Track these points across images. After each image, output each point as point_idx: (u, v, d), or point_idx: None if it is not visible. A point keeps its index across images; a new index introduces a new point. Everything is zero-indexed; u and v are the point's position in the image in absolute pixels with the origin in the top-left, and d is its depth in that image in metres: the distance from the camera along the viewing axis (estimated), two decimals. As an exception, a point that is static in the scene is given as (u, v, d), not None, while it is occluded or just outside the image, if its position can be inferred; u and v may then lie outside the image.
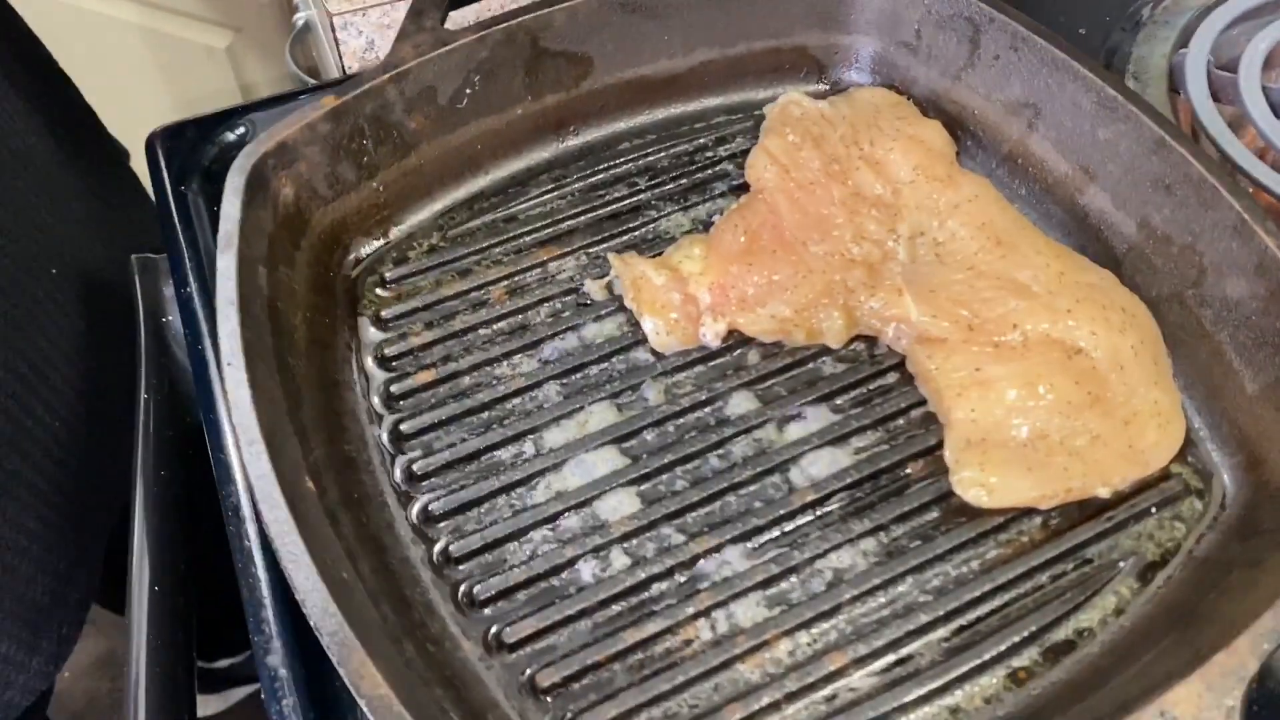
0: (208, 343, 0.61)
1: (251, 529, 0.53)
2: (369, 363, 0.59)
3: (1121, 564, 0.51)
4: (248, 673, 1.39)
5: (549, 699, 0.48)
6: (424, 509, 0.53)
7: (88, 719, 1.47)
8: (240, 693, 1.40)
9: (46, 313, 0.72)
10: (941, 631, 0.49)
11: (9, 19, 0.80)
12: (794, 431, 0.56)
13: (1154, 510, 0.53)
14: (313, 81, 0.93)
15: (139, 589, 0.60)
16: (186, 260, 0.64)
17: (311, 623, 0.42)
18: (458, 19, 0.71)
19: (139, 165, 0.92)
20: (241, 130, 0.70)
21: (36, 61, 0.84)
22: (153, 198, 0.80)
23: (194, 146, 0.70)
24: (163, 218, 0.67)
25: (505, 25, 0.63)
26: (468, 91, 0.63)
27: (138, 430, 0.66)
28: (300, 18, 1.01)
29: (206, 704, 1.37)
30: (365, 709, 0.40)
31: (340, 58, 0.79)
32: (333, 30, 0.78)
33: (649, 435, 0.56)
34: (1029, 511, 0.53)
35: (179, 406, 0.69)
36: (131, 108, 1.01)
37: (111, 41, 1.40)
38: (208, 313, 0.62)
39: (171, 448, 0.67)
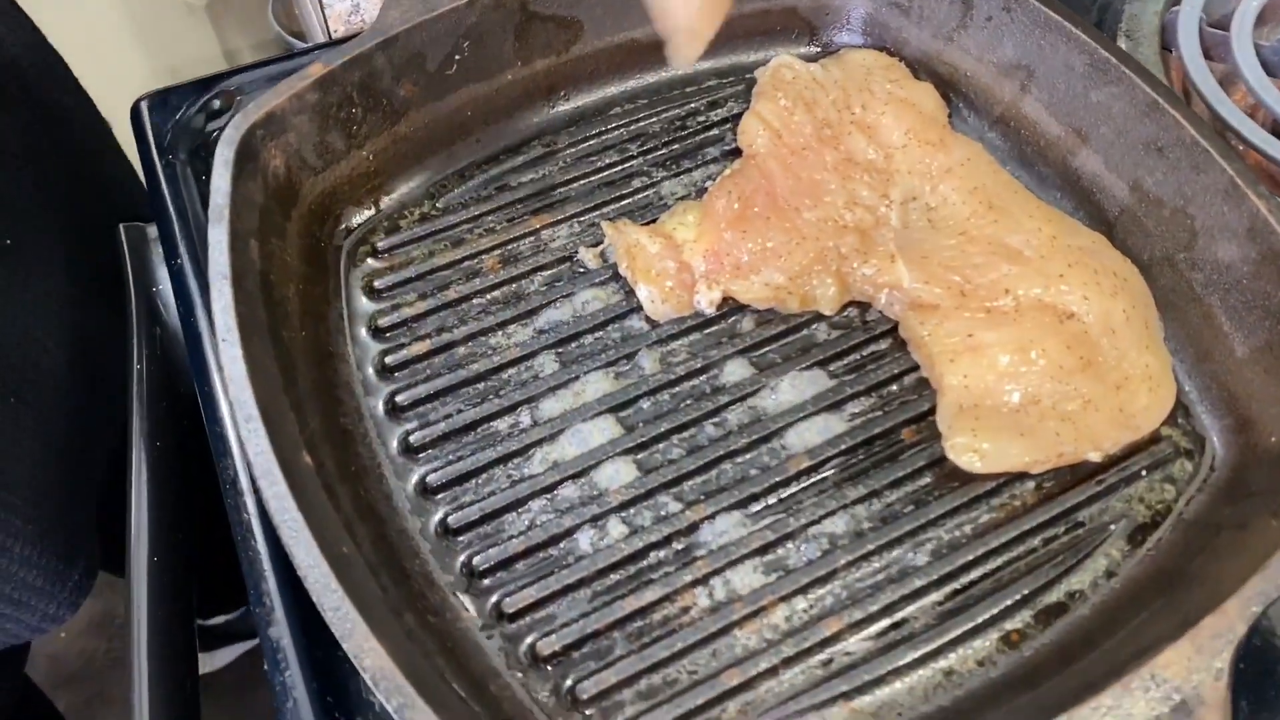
0: (200, 314, 0.61)
1: (250, 501, 0.54)
2: (363, 334, 0.58)
3: (1112, 527, 0.52)
4: (242, 629, 1.40)
5: (549, 667, 0.48)
6: (422, 481, 0.54)
7: (83, 678, 1.49)
8: (235, 651, 1.42)
9: (28, 283, 0.71)
10: (935, 595, 0.50)
11: None
12: (788, 398, 0.56)
13: (1144, 473, 0.54)
14: (297, 42, 0.92)
15: (138, 559, 0.61)
16: (177, 231, 0.64)
17: (314, 598, 0.42)
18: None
19: (122, 128, 0.91)
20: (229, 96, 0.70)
21: (17, 28, 0.83)
22: (135, 165, 0.79)
23: (180, 114, 0.69)
24: (151, 188, 0.67)
25: (494, -11, 0.62)
26: (456, 57, 0.63)
27: (131, 400, 0.66)
28: (282, -24, 0.99)
29: (201, 662, 1.39)
30: (369, 682, 0.40)
31: (325, 21, 0.78)
32: (317, -7, 0.76)
33: (645, 404, 0.56)
34: (1021, 476, 0.53)
35: (171, 375, 0.69)
36: (111, 66, 1.00)
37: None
38: (200, 284, 0.62)
39: (166, 417, 0.67)
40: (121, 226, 0.73)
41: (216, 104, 0.69)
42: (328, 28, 0.78)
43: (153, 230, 0.72)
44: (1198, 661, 0.41)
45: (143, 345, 0.69)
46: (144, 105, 0.70)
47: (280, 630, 0.50)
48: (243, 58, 1.49)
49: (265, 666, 0.49)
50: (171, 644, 0.60)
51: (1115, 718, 0.40)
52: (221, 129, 0.66)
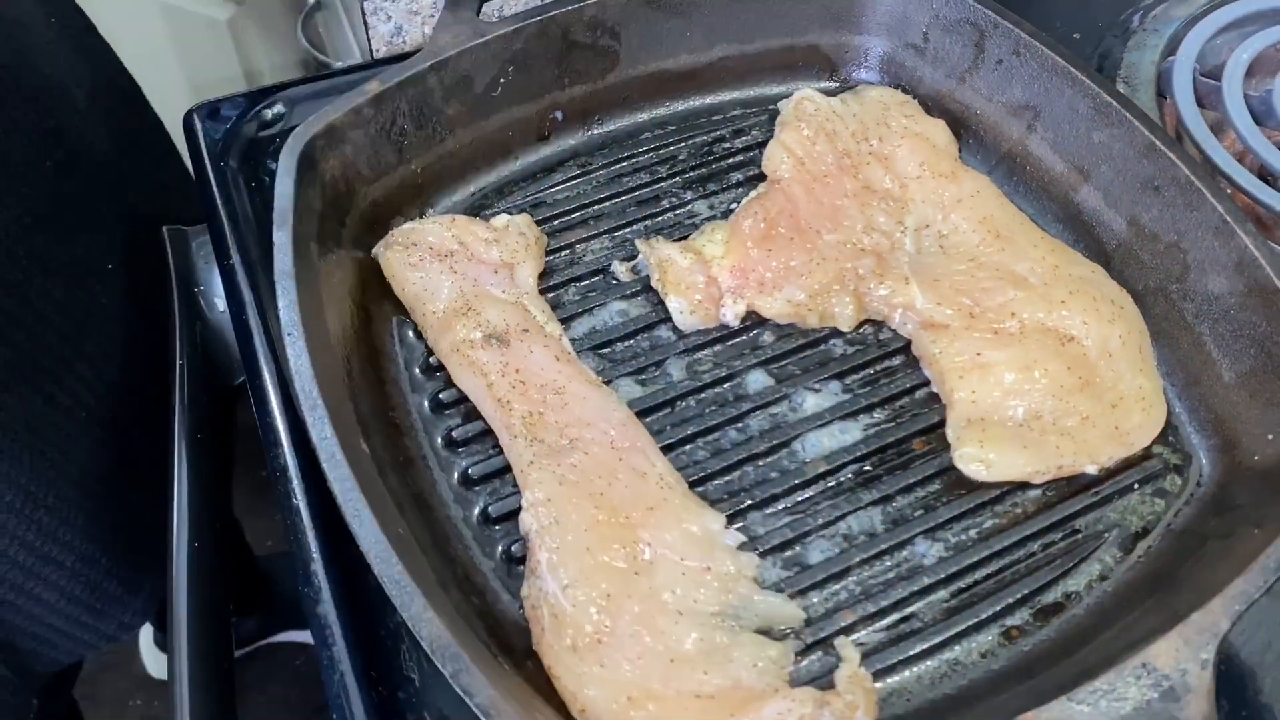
0: (251, 313, 0.64)
1: (298, 487, 0.57)
2: (410, 335, 0.62)
3: (1107, 535, 0.56)
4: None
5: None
6: (464, 473, 0.57)
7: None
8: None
9: (84, 281, 0.75)
10: (942, 593, 0.54)
11: None
12: (806, 408, 0.60)
13: (1137, 486, 0.58)
14: (332, 61, 0.95)
15: (179, 546, 0.64)
16: (228, 234, 0.67)
17: (376, 572, 0.45)
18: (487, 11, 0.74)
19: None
20: (279, 108, 0.73)
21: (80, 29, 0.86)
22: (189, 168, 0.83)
23: (232, 123, 0.73)
24: (203, 194, 0.70)
25: (539, 19, 0.66)
26: (501, 81, 0.67)
27: (174, 395, 0.69)
28: (314, -6, 1.03)
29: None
30: (428, 649, 0.44)
31: (369, 41, 0.82)
32: (363, 15, 0.80)
33: (672, 409, 0.60)
34: (1023, 485, 0.57)
35: (212, 371, 0.72)
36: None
37: (111, 11, 1.41)
38: (250, 283, 0.65)
39: (206, 412, 0.70)
40: (165, 230, 0.76)
41: (267, 115, 0.73)
42: (371, 48, 0.82)
43: (194, 233, 0.76)
44: (1186, 653, 0.44)
45: (184, 343, 0.72)
46: (196, 115, 0.74)
47: (327, 608, 0.53)
48: (264, 78, 1.52)
49: (313, 641, 0.53)
50: (210, 626, 0.63)
51: (1109, 701, 0.43)
52: (273, 139, 0.71)
